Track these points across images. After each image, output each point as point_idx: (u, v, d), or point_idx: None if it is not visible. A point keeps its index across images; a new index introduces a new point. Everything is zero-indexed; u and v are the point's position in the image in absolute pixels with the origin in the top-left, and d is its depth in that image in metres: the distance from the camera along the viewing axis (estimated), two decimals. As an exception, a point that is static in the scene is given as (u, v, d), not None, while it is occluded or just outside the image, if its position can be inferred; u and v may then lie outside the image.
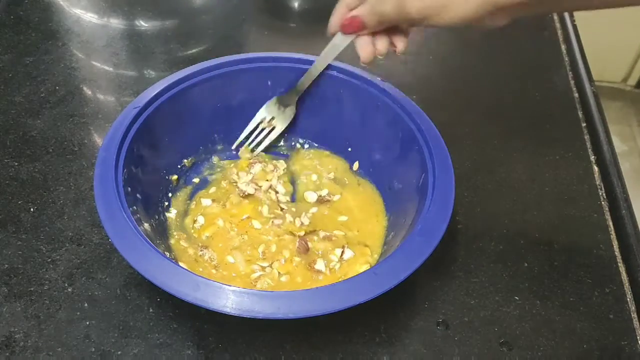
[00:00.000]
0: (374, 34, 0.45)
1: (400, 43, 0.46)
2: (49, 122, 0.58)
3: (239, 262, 0.45)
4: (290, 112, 0.53)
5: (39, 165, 0.54)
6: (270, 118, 0.53)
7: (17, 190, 0.51)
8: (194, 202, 0.50)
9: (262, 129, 0.54)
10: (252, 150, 0.54)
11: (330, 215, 0.50)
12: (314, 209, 0.50)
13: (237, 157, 0.54)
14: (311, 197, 0.51)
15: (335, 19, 0.46)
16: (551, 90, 0.67)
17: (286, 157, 0.55)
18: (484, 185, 0.56)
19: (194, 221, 0.48)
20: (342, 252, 0.46)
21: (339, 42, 0.47)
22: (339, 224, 0.49)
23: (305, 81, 0.51)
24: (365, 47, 0.46)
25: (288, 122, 0.54)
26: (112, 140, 0.44)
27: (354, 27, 0.45)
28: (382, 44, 0.46)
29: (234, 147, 0.54)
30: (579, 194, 0.55)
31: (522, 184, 0.56)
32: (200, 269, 0.44)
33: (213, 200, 0.50)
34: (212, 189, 0.51)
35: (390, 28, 0.45)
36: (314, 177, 0.53)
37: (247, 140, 0.54)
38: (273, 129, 0.54)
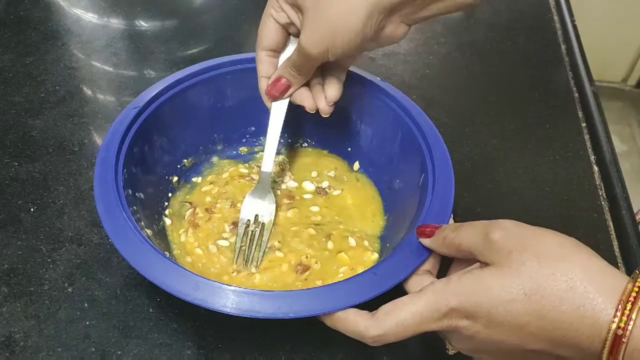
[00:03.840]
0: (308, 86, 0.45)
1: (329, 91, 0.45)
2: (49, 122, 0.58)
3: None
4: (270, 200, 0.47)
5: (39, 165, 0.54)
6: (255, 217, 0.47)
7: (17, 190, 0.51)
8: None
9: (253, 234, 0.46)
10: (256, 266, 0.45)
11: (327, 208, 0.50)
12: (308, 196, 0.51)
13: (237, 157, 0.54)
14: (309, 186, 0.51)
15: (263, 93, 0.46)
16: (551, 90, 0.67)
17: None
18: (484, 185, 0.56)
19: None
20: (327, 241, 0.46)
21: (277, 110, 0.46)
22: (332, 219, 0.49)
23: (267, 162, 0.47)
24: (307, 98, 0.45)
25: (273, 212, 0.47)
26: (112, 140, 0.44)
27: (279, 89, 0.45)
28: (331, 91, 0.45)
29: (235, 266, 0.45)
30: (579, 194, 0.55)
31: (522, 184, 0.56)
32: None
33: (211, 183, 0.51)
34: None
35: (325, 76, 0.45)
36: (314, 173, 0.53)
37: (244, 254, 0.46)
38: (263, 226, 0.47)
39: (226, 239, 0.46)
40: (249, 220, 0.47)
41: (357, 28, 0.38)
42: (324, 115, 0.46)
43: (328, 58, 0.40)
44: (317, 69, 0.44)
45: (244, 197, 0.48)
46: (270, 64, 0.45)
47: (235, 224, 0.47)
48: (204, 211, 0.48)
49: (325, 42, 0.39)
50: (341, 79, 0.45)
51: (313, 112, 0.45)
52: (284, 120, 0.46)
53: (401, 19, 0.40)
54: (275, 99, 0.46)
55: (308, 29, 0.39)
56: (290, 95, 0.46)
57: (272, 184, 0.51)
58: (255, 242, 0.46)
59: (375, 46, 0.42)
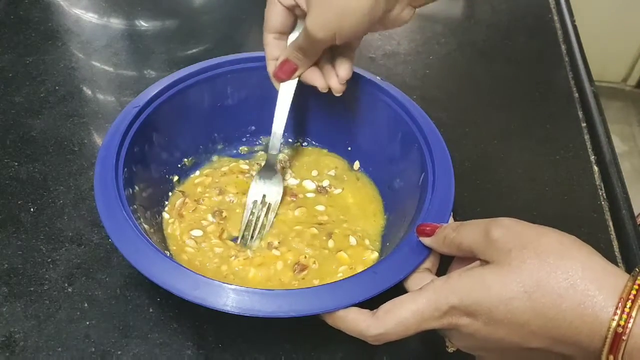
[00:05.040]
0: (318, 66, 0.45)
1: (340, 70, 0.44)
2: (49, 122, 0.58)
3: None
4: (277, 180, 0.49)
5: (39, 165, 0.54)
6: (262, 197, 0.49)
7: (17, 190, 0.51)
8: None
9: (258, 215, 0.48)
10: (252, 238, 0.47)
11: (332, 207, 0.50)
12: (310, 194, 0.51)
13: (237, 155, 0.54)
14: (309, 185, 0.51)
15: (271, 75, 0.46)
16: (551, 90, 0.67)
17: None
18: (484, 185, 0.56)
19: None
20: (327, 240, 0.46)
21: (286, 91, 0.46)
22: (336, 218, 0.49)
23: (275, 144, 0.48)
24: (318, 78, 0.45)
25: (280, 192, 0.49)
26: (112, 140, 0.43)
27: (286, 72, 0.44)
28: (343, 70, 0.44)
29: (239, 242, 0.47)
30: (579, 194, 0.55)
31: (522, 184, 0.56)
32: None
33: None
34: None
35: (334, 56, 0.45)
36: (314, 172, 0.53)
37: (248, 231, 0.47)
38: (269, 207, 0.48)
39: (204, 227, 0.47)
40: (255, 201, 0.48)
41: (364, 10, 0.37)
42: (336, 94, 0.45)
43: (335, 42, 0.40)
44: (325, 49, 0.44)
45: (236, 190, 0.49)
46: (277, 46, 0.45)
47: (218, 212, 0.48)
48: (193, 201, 0.48)
49: (332, 25, 0.38)
50: (351, 58, 0.45)
51: (325, 91, 0.45)
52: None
53: (408, 1, 0.40)
54: (282, 81, 0.45)
55: (314, 12, 0.39)
56: (298, 77, 0.45)
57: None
58: (260, 223, 0.47)
59: (380, 28, 0.42)
